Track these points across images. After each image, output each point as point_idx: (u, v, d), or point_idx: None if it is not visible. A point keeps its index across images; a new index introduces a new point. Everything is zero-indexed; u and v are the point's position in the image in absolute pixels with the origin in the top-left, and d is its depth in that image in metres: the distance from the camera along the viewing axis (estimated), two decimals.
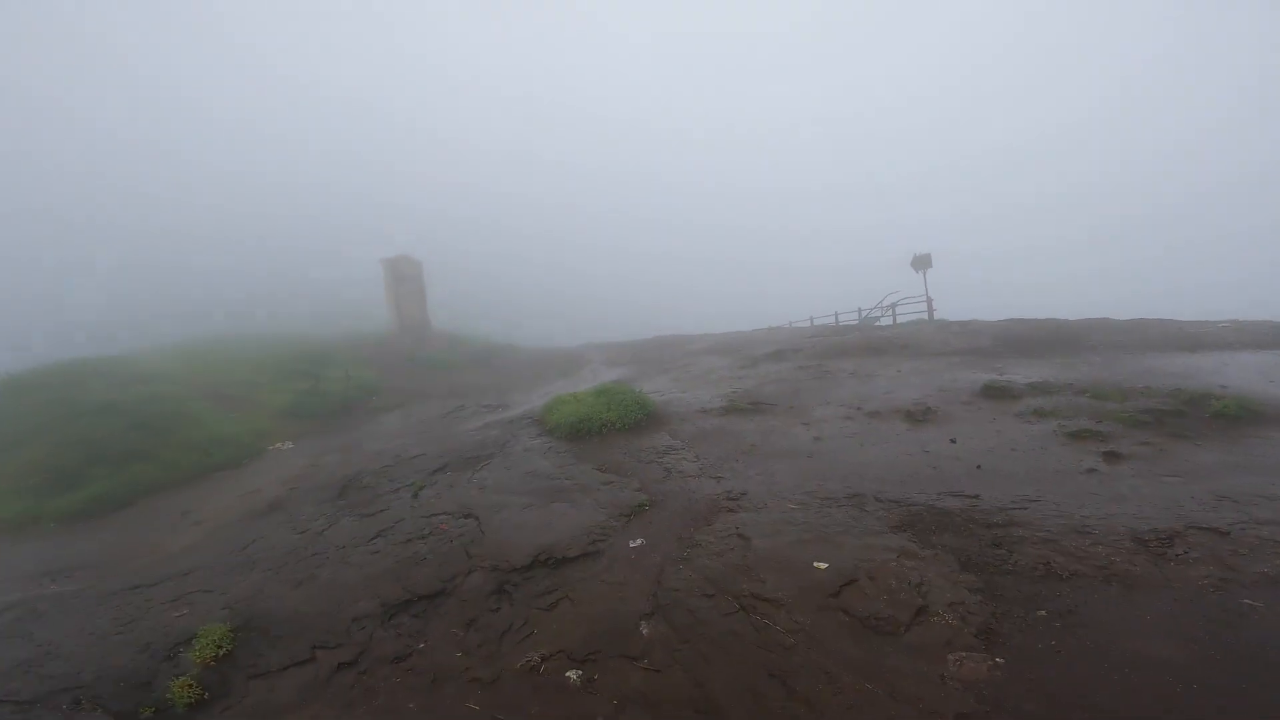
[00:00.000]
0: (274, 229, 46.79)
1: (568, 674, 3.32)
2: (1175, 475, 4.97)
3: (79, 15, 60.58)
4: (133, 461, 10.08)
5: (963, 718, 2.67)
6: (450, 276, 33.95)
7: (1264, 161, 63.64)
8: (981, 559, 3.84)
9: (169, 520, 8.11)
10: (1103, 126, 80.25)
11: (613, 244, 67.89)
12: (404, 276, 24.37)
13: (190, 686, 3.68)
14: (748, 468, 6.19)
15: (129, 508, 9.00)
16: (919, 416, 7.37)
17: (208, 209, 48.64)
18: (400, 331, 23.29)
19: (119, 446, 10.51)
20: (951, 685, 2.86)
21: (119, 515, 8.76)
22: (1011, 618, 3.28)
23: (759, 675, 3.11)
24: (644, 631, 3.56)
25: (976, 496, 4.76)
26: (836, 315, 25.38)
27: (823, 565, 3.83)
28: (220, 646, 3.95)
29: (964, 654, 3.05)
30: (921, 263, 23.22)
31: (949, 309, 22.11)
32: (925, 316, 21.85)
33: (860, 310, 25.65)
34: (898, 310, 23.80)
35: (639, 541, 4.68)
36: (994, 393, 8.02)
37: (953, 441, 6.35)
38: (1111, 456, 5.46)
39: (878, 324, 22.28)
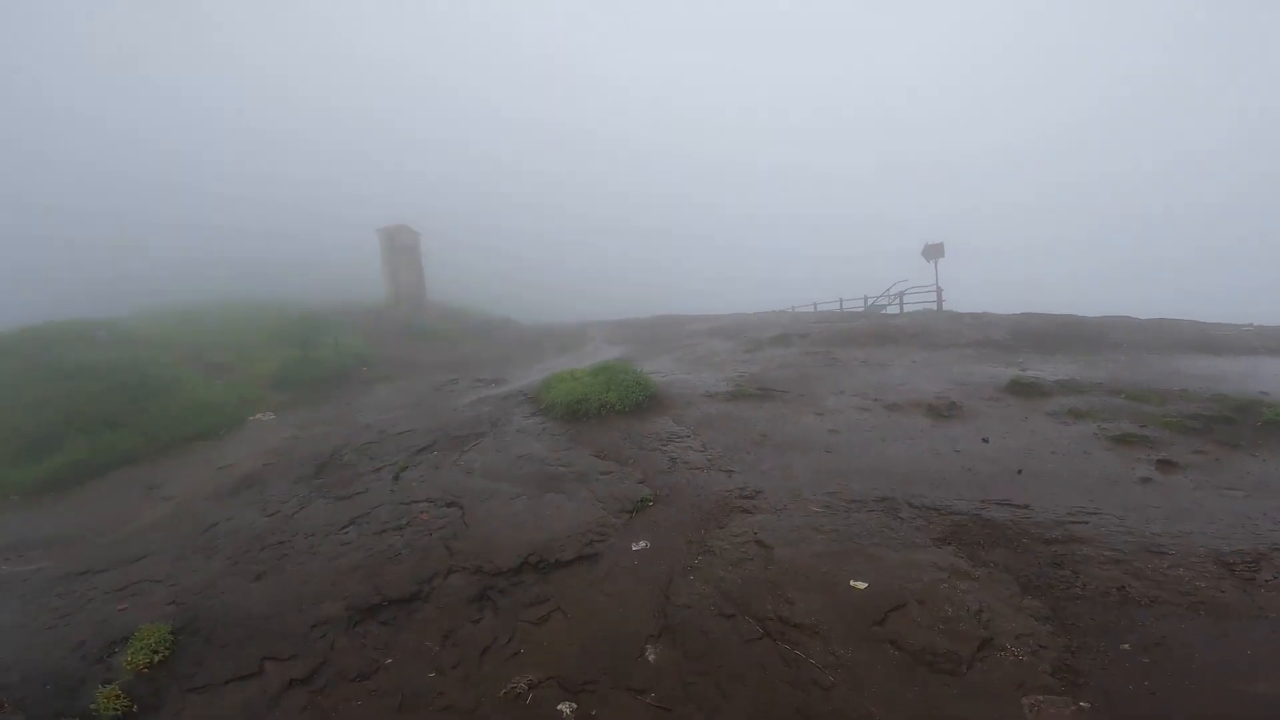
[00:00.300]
0: (275, 196, 45.73)
1: (559, 707, 2.80)
2: (1237, 489, 4.54)
3: None
4: (108, 429, 9.52)
5: None
6: (452, 251, 33.15)
7: (1265, 163, 62.72)
8: (1044, 581, 3.32)
9: (137, 494, 7.60)
10: (1103, 126, 79.02)
11: (618, 222, 66.73)
12: (401, 246, 23.61)
13: (117, 697, 3.17)
14: (760, 461, 5.65)
15: (98, 478, 8.46)
16: (943, 411, 6.86)
17: (210, 164, 47.59)
18: (396, 302, 22.67)
19: (95, 412, 9.92)
20: None
21: (86, 487, 8.22)
22: (1091, 652, 2.78)
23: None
24: (650, 657, 3.03)
25: (1026, 506, 4.22)
26: (841, 301, 24.75)
27: (861, 585, 3.28)
28: (156, 651, 3.42)
29: (1041, 697, 2.55)
30: (933, 252, 22.47)
31: (953, 301, 21.54)
32: (934, 307, 21.22)
33: (866, 298, 24.99)
34: (905, 300, 23.17)
35: (642, 544, 4.14)
36: (1021, 389, 7.52)
37: (985, 441, 5.83)
38: (1166, 465, 4.95)
39: (884, 312, 21.66)
